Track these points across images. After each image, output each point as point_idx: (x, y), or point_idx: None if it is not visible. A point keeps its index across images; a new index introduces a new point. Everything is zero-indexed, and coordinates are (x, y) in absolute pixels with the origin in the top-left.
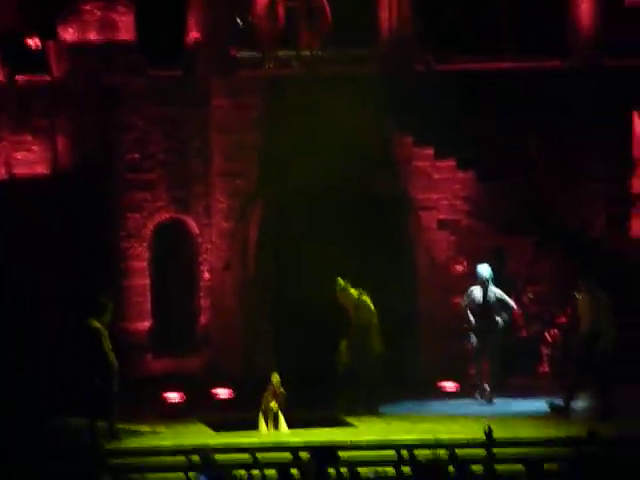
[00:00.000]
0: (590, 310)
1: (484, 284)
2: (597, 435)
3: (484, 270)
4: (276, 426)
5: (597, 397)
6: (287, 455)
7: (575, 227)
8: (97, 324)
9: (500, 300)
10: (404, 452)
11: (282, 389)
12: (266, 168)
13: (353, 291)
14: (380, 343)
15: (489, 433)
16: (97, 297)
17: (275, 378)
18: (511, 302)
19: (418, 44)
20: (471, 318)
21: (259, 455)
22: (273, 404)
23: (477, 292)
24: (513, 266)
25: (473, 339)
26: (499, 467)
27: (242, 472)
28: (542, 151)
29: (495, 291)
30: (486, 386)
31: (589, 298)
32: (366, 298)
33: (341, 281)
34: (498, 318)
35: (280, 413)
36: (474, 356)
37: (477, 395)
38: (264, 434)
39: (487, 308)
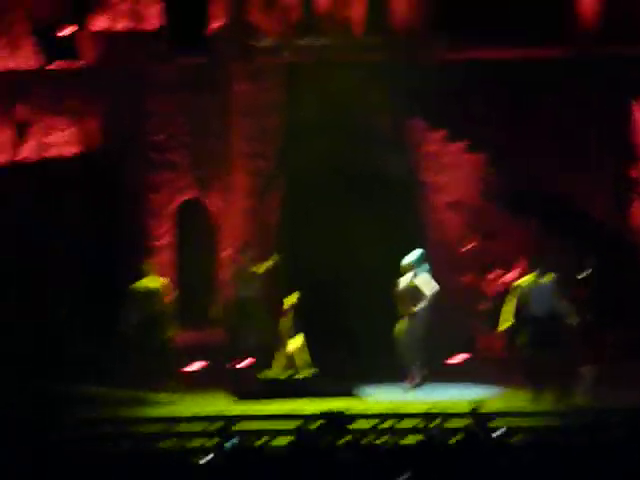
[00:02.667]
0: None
1: (408, 269)
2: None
3: (409, 256)
4: (292, 365)
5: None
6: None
7: (579, 209)
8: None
9: (418, 286)
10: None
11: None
12: (284, 149)
13: None
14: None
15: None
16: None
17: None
18: (425, 290)
19: (428, 33)
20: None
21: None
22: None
23: (405, 277)
24: None
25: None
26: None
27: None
28: (547, 135)
29: (421, 277)
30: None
31: None
32: None
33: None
34: (421, 304)
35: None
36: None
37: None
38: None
39: (409, 294)
